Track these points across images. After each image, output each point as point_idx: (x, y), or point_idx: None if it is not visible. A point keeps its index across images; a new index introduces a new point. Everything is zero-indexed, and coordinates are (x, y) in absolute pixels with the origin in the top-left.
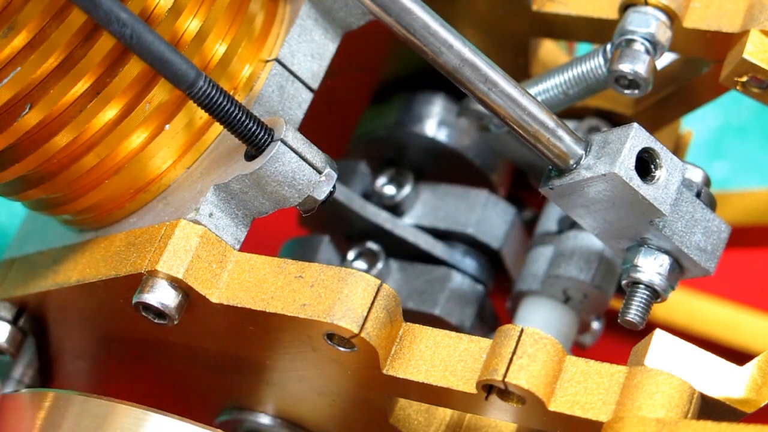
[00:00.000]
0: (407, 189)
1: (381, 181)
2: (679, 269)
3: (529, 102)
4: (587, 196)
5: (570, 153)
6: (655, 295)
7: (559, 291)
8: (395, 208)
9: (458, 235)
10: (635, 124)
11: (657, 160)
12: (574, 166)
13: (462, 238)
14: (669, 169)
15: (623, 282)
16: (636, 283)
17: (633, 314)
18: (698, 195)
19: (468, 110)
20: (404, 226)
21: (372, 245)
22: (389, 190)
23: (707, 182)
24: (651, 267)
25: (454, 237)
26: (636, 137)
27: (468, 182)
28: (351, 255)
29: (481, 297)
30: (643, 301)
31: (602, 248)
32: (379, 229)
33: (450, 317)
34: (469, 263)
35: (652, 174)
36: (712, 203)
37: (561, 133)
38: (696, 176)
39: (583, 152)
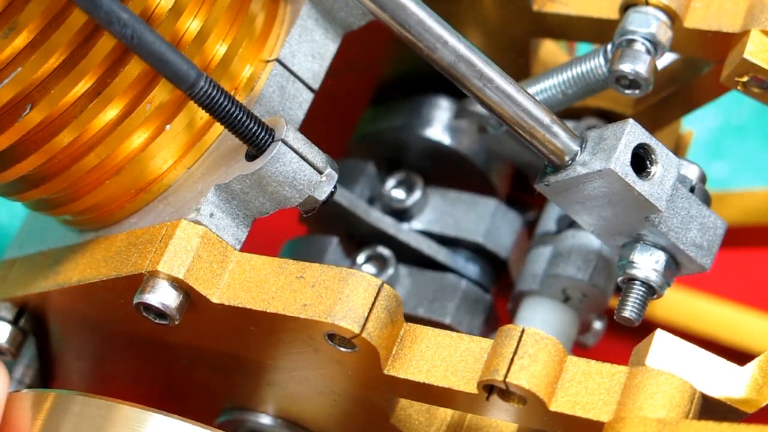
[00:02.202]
0: (417, 194)
1: (390, 184)
2: (675, 265)
3: (524, 98)
4: (583, 192)
5: (565, 149)
6: (651, 291)
7: (558, 290)
8: (403, 213)
9: (467, 243)
10: (630, 120)
11: (652, 156)
12: (570, 162)
13: (470, 246)
14: (665, 165)
15: (619, 279)
16: (632, 279)
17: (629, 311)
18: (692, 190)
19: (465, 111)
20: (407, 231)
21: (383, 250)
22: (398, 194)
23: (703, 179)
24: (647, 263)
25: (462, 245)
26: (631, 133)
27: (469, 183)
28: (361, 258)
29: (488, 305)
30: (639, 297)
31: (600, 247)
32: (382, 233)
33: (460, 326)
34: (472, 269)
35: (648, 170)
36: (706, 199)
37: (556, 129)
38: (692, 173)
39: (579, 148)
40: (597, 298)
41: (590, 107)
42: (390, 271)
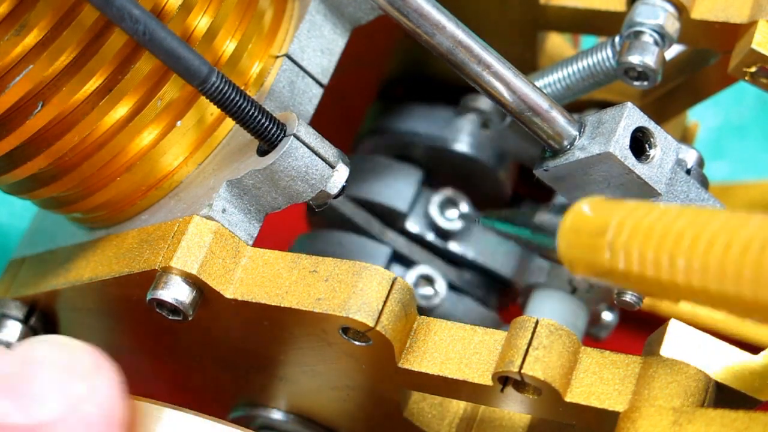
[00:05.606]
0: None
1: (435, 201)
2: None
3: (522, 83)
4: (582, 176)
5: (564, 134)
6: None
7: (565, 282)
8: (446, 233)
9: (495, 275)
10: (629, 104)
11: (651, 140)
12: (569, 147)
13: (496, 277)
14: (663, 149)
15: None
16: None
17: (630, 295)
18: (688, 173)
19: (467, 107)
20: (420, 252)
21: (438, 279)
22: (449, 214)
23: (700, 163)
24: None
25: (491, 275)
26: (630, 116)
27: (478, 181)
28: (411, 278)
29: None
30: None
31: None
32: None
33: None
34: (480, 291)
35: (647, 153)
36: (704, 183)
37: (554, 113)
38: (690, 157)
39: (577, 133)
40: (603, 288)
41: (595, 100)
42: (442, 294)
